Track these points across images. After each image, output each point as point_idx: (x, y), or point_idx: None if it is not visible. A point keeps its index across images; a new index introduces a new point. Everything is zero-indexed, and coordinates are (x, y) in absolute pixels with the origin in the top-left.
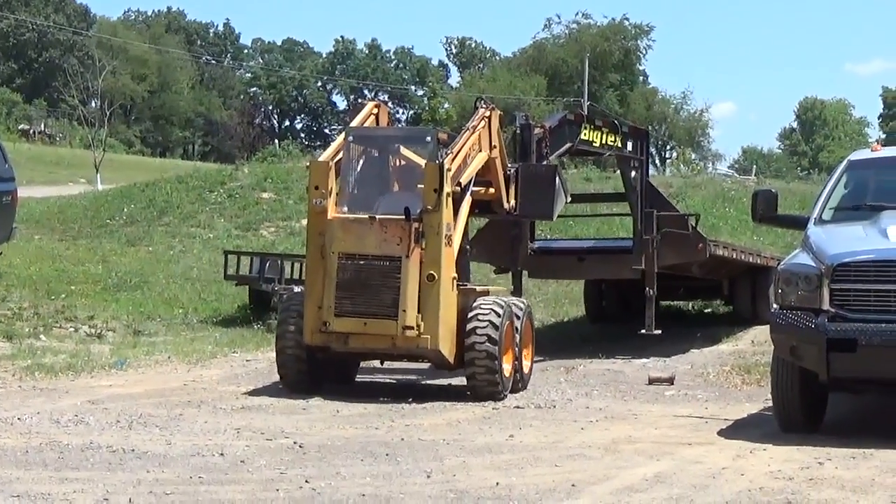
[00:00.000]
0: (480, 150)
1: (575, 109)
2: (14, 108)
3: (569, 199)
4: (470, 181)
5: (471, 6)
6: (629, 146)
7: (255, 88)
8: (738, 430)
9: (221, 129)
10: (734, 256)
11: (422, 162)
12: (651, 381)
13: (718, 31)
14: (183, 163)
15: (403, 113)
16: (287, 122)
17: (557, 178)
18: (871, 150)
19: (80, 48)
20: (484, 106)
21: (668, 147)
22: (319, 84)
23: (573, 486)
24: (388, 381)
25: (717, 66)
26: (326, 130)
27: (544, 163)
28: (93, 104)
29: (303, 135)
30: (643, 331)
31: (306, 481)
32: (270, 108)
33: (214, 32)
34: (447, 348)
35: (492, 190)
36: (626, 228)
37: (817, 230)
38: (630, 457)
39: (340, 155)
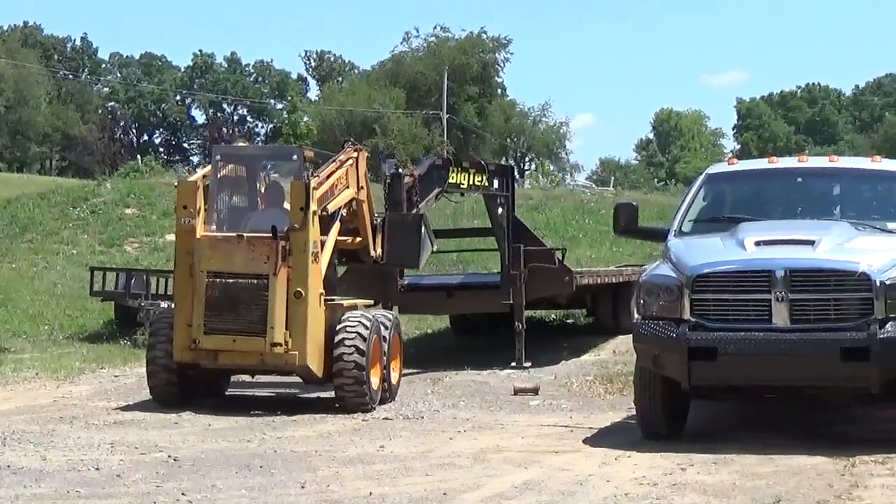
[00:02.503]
0: (348, 187)
1: (442, 154)
2: None
3: (434, 248)
4: (338, 210)
5: (329, 20)
6: (496, 184)
7: (113, 103)
8: (603, 437)
9: (81, 144)
10: (598, 282)
11: (287, 181)
12: (516, 392)
13: (576, 43)
14: (41, 178)
15: (263, 127)
16: (146, 137)
17: (423, 227)
18: (728, 164)
19: None
20: (352, 146)
21: (527, 159)
22: (178, 98)
23: (444, 494)
24: (258, 394)
25: (575, 78)
26: (185, 145)
27: (412, 211)
28: None
29: (161, 149)
30: (512, 364)
31: (183, 494)
32: (128, 122)
33: (72, 47)
34: (315, 363)
35: (359, 239)
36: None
37: (677, 242)
38: (499, 465)
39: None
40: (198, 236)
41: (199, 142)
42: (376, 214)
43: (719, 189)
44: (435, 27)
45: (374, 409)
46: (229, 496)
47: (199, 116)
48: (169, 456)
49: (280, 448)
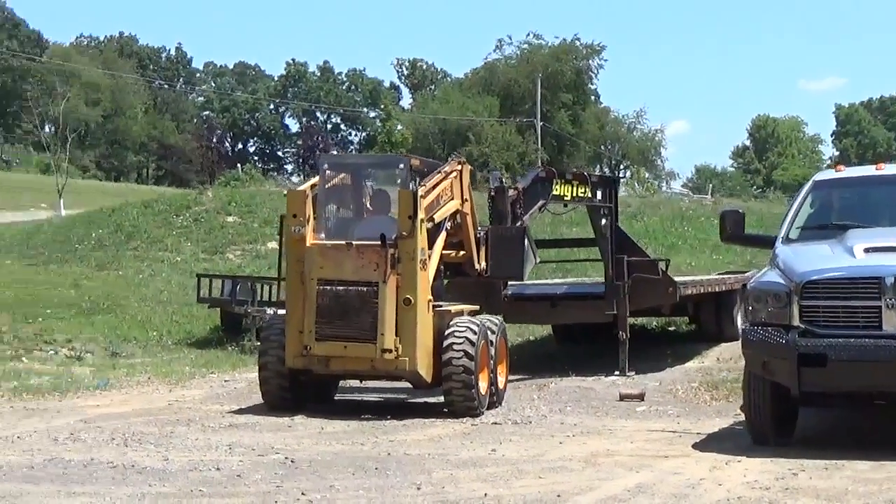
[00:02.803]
0: (453, 198)
1: (546, 167)
2: None
3: (538, 260)
4: (443, 220)
5: (422, 28)
6: (598, 195)
7: (207, 112)
8: (712, 443)
9: (176, 154)
10: (701, 292)
11: (396, 190)
12: (622, 398)
13: (671, 49)
14: (140, 187)
15: (356, 135)
16: (240, 146)
17: (526, 240)
18: (835, 171)
19: (34, 74)
20: (455, 158)
21: (622, 167)
22: (272, 107)
23: (558, 496)
24: (367, 399)
25: (670, 85)
26: (279, 153)
27: (517, 224)
28: (46, 129)
29: (255, 157)
30: (616, 373)
31: (302, 493)
32: (220, 132)
33: (167, 56)
34: (424, 368)
35: (462, 252)
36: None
37: (785, 249)
38: (610, 469)
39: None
40: (308, 244)
41: (293, 150)
42: (479, 228)
43: (826, 196)
44: (528, 34)
45: (483, 413)
46: (347, 496)
47: (293, 125)
48: (286, 457)
49: (393, 451)
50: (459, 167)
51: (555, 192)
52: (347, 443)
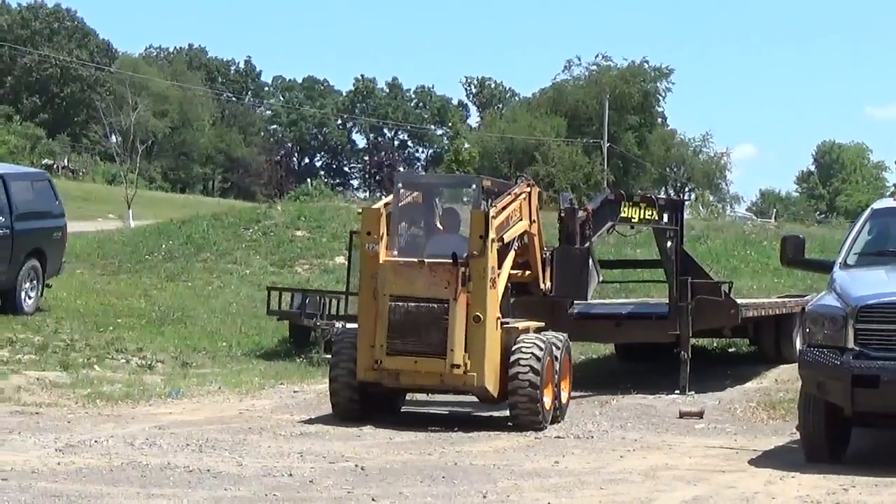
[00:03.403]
0: (521, 219)
1: (614, 189)
2: (37, 142)
3: (601, 279)
4: (512, 240)
5: (491, 46)
6: (665, 218)
7: (275, 126)
8: (767, 459)
9: (243, 167)
10: (763, 314)
11: (466, 209)
12: (682, 415)
13: (738, 74)
14: (206, 199)
15: (423, 152)
16: (307, 160)
17: (591, 260)
18: (894, 199)
19: (103, 84)
20: (525, 180)
21: (687, 189)
22: (339, 122)
23: None
24: (433, 411)
25: (736, 109)
26: (346, 168)
27: (580, 246)
28: (113, 139)
29: (322, 172)
30: (676, 392)
31: (373, 499)
32: (290, 145)
33: (235, 69)
34: (492, 384)
35: (529, 272)
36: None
37: (843, 274)
38: (669, 482)
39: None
40: (381, 261)
41: (359, 166)
42: (546, 249)
43: (884, 223)
44: (597, 55)
45: (546, 427)
46: (416, 503)
47: (360, 141)
48: (356, 465)
49: (460, 461)
50: (529, 189)
51: (623, 215)
52: (415, 452)
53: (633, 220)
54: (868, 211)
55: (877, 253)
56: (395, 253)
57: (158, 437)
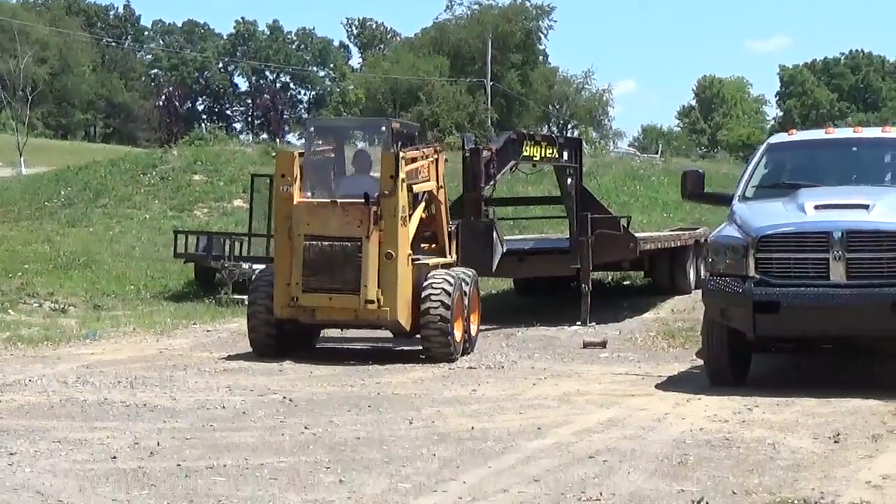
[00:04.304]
0: (429, 180)
1: (517, 129)
2: None
3: (504, 249)
4: (422, 193)
5: None
6: (565, 156)
7: (156, 70)
8: (673, 384)
9: (126, 113)
10: (660, 247)
11: (376, 151)
12: (585, 345)
13: (619, 10)
14: (92, 146)
15: (305, 94)
16: (189, 104)
17: (495, 233)
18: (788, 134)
19: None
20: (435, 145)
21: (570, 126)
22: (220, 66)
23: (539, 428)
24: (347, 347)
25: (617, 45)
26: (228, 112)
27: (483, 219)
28: None
29: (204, 117)
30: (578, 323)
31: (306, 427)
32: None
33: (115, 14)
34: (404, 318)
35: (435, 245)
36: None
37: (742, 206)
38: (582, 406)
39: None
40: (295, 202)
41: (241, 109)
42: (451, 223)
43: (780, 157)
44: None
45: (457, 358)
46: (347, 430)
47: (242, 84)
48: (284, 397)
49: (382, 391)
50: (437, 155)
51: (525, 153)
52: (337, 385)
53: (534, 159)
54: (765, 145)
55: (773, 185)
56: (309, 195)
57: (88, 376)
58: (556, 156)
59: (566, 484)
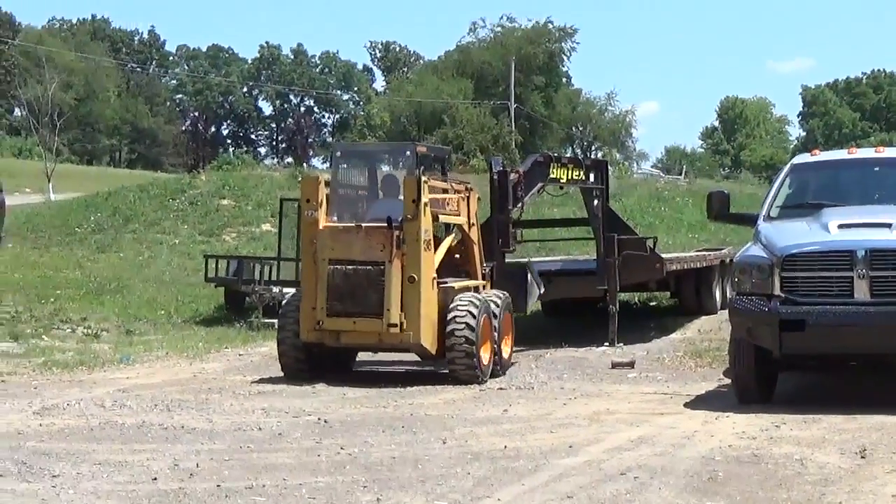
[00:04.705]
0: (459, 214)
1: (543, 152)
2: None
3: (542, 290)
4: (451, 227)
5: (394, 11)
6: (591, 178)
7: (180, 95)
8: (701, 402)
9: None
10: (685, 268)
11: (402, 174)
12: (614, 366)
13: (641, 32)
14: (118, 171)
15: (329, 118)
16: (213, 129)
17: (529, 275)
18: (811, 155)
19: (6, 58)
20: (466, 183)
21: (593, 148)
22: (245, 90)
23: (570, 447)
24: (381, 369)
25: (640, 66)
26: (252, 136)
27: (518, 206)
28: (17, 112)
29: (229, 141)
30: (606, 344)
31: (342, 448)
32: (196, 114)
33: (139, 40)
34: (429, 341)
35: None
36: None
37: (767, 226)
38: (613, 424)
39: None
40: (320, 227)
41: (266, 133)
42: (485, 264)
43: (803, 178)
44: (501, 17)
45: (485, 381)
46: (382, 450)
47: (266, 108)
48: (319, 418)
49: (415, 412)
50: (468, 193)
51: (552, 176)
52: (371, 406)
53: (561, 181)
54: (788, 166)
55: (797, 205)
56: (335, 219)
57: (125, 399)
58: (583, 178)
59: (599, 500)
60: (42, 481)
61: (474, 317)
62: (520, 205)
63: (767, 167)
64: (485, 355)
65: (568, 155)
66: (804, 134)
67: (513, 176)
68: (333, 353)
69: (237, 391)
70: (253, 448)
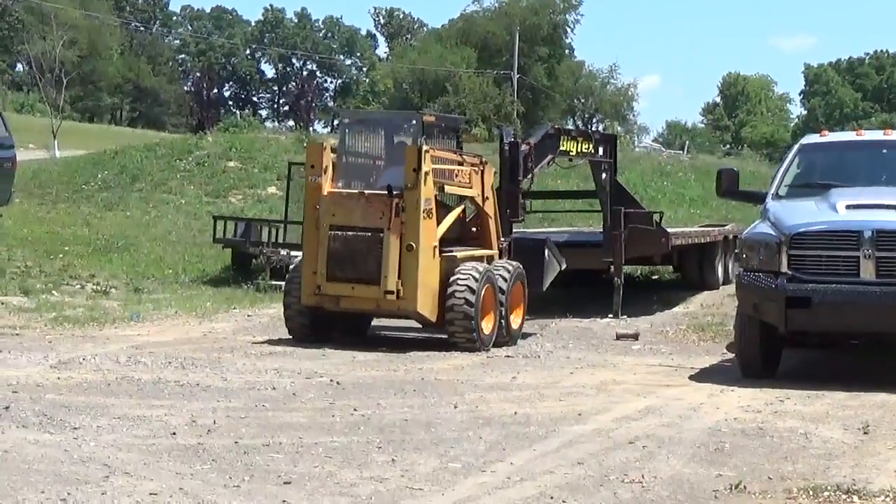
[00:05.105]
0: (471, 187)
1: (553, 124)
2: None
3: (563, 266)
4: (462, 199)
5: None
6: (600, 151)
7: (183, 55)
8: (706, 376)
9: (153, 97)
10: (689, 242)
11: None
12: (618, 337)
13: (645, 5)
14: (122, 129)
15: (332, 83)
16: (215, 90)
17: (547, 251)
18: (820, 136)
19: (10, 13)
20: (480, 157)
21: (595, 121)
22: (248, 52)
23: (579, 415)
24: (389, 334)
25: (643, 40)
26: (254, 98)
27: (528, 177)
28: (18, 68)
29: (230, 102)
30: (610, 316)
31: (355, 409)
32: (199, 75)
33: None
34: (427, 309)
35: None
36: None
37: (775, 204)
38: (620, 394)
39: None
40: (324, 193)
41: (268, 96)
42: (503, 238)
43: (812, 158)
44: None
45: (486, 350)
46: (394, 412)
47: (269, 71)
48: (331, 380)
49: (425, 376)
50: (482, 166)
51: (562, 148)
52: (381, 370)
53: (571, 153)
54: (797, 146)
55: (806, 185)
56: (340, 185)
57: (139, 356)
58: (592, 151)
59: (609, 467)
60: (63, 433)
61: (474, 286)
62: (530, 176)
63: (768, 144)
64: (486, 324)
65: (578, 128)
66: (805, 113)
67: (524, 147)
68: (343, 317)
69: (248, 351)
70: (268, 407)
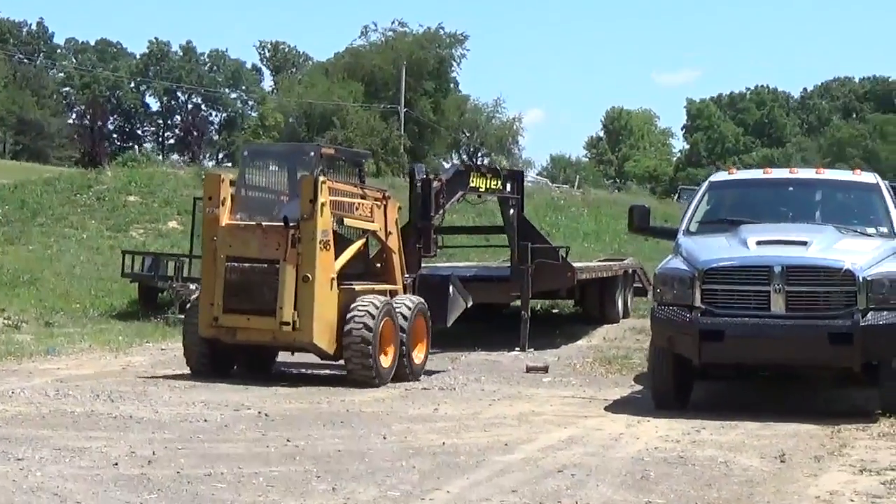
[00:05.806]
0: (373, 221)
1: (464, 161)
2: None
3: (469, 304)
4: (363, 233)
5: (284, 11)
6: (508, 187)
7: (67, 88)
8: (621, 406)
9: (37, 130)
10: (594, 277)
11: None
12: (528, 370)
13: (529, 39)
14: (8, 163)
15: (216, 115)
16: (99, 123)
17: (452, 287)
18: (728, 173)
19: None
20: (384, 191)
21: (480, 154)
22: (133, 85)
23: (506, 445)
24: (294, 371)
25: (526, 74)
26: (139, 132)
27: (439, 213)
28: None
29: (115, 136)
30: (517, 349)
31: (288, 440)
32: (83, 108)
33: (27, 31)
34: (324, 341)
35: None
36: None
37: (687, 240)
38: (541, 425)
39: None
40: (221, 224)
41: (152, 129)
42: (407, 276)
43: (721, 195)
44: (393, 22)
45: (383, 385)
46: (326, 443)
47: (154, 104)
48: (259, 412)
49: (350, 409)
50: (385, 201)
51: (472, 185)
52: (306, 402)
53: (480, 190)
54: (706, 183)
55: (716, 221)
56: (240, 217)
57: (67, 389)
58: (501, 187)
59: (542, 494)
60: (8, 464)
61: (373, 318)
62: (441, 212)
63: (651, 178)
64: (385, 358)
65: (486, 165)
66: (688, 147)
67: (435, 184)
68: (245, 351)
69: (171, 384)
70: (203, 438)
